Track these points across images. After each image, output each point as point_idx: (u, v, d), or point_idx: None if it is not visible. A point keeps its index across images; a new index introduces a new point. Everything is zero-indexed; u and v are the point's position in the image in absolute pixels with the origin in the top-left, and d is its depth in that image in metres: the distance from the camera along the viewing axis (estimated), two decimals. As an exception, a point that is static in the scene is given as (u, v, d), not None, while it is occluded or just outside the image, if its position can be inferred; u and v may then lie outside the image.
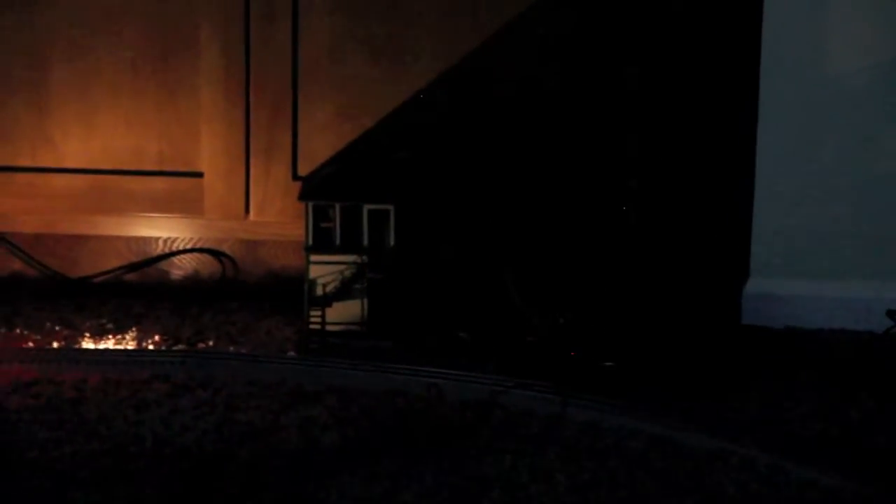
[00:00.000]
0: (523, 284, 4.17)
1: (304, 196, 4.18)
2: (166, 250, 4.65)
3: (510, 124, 4.38)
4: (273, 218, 4.60)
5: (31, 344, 4.02)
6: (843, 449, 3.30)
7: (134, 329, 4.18)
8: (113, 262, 4.65)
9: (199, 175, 4.62)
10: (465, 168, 4.37)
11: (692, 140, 4.32)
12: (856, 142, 4.23)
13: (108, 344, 4.06)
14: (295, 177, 4.57)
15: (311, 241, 4.15)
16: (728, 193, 4.32)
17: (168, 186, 4.63)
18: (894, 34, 4.20)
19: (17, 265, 4.66)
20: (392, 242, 4.13)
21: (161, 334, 4.12)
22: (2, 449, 3.10)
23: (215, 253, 4.64)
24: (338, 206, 4.14)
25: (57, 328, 4.17)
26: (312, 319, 4.10)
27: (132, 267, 4.65)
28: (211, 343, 4.05)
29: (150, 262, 4.65)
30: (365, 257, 4.11)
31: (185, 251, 4.64)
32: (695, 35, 4.30)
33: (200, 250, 4.64)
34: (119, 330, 4.17)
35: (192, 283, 4.63)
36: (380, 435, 3.19)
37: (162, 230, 4.65)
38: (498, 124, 4.39)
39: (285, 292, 4.40)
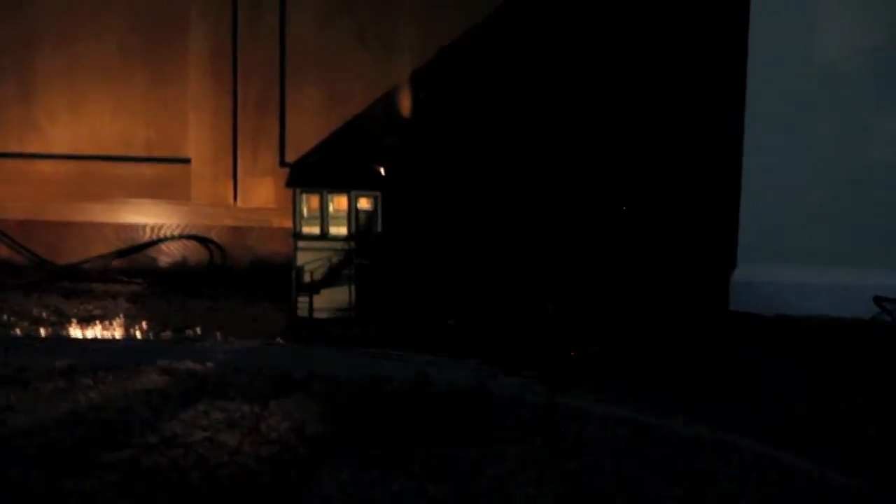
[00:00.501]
0: (512, 272, 4.17)
1: (291, 183, 4.18)
2: (154, 237, 4.64)
3: (498, 112, 4.38)
4: (260, 205, 4.60)
5: (18, 331, 4.02)
6: (831, 436, 3.31)
7: (121, 316, 4.17)
8: (101, 249, 4.64)
9: (187, 161, 4.62)
10: (453, 155, 4.37)
11: (680, 132, 4.33)
12: (840, 132, 4.24)
13: (96, 331, 4.05)
14: (282, 163, 4.57)
15: (298, 228, 4.15)
16: (715, 183, 4.33)
17: (155, 172, 4.63)
18: (878, 27, 4.20)
19: (4, 252, 4.66)
20: (379, 229, 4.12)
21: (148, 321, 4.12)
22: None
23: (203, 240, 4.63)
24: (325, 193, 4.14)
25: (44, 315, 4.17)
26: (300, 306, 4.11)
27: (120, 253, 4.64)
28: (198, 330, 4.04)
29: (138, 248, 4.65)
30: (352, 243, 4.11)
31: (172, 238, 4.64)
32: (683, 31, 4.31)
33: (188, 237, 4.64)
34: (106, 317, 4.17)
35: (180, 270, 4.63)
36: (368, 422, 3.19)
37: (149, 216, 4.64)
38: (486, 112, 4.39)
39: (273, 279, 4.40)
